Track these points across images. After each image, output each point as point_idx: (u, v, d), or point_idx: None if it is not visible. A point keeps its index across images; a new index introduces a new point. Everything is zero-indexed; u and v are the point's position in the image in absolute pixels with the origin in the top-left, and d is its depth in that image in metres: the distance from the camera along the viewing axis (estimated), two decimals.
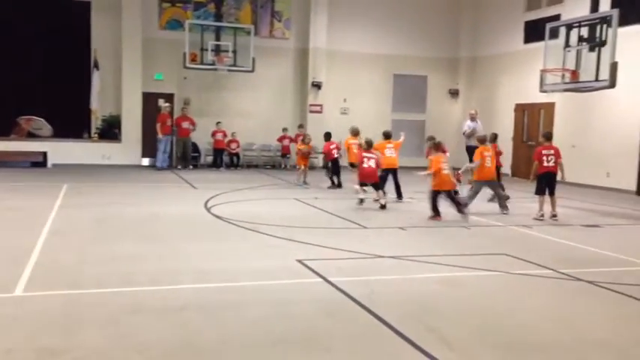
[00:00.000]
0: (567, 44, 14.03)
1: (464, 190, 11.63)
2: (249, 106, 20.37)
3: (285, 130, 19.88)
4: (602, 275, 6.67)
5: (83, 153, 18.47)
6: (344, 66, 21.14)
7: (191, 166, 18.83)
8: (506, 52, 20.31)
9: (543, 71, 14.63)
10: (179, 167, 18.56)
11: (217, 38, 19.01)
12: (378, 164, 11.70)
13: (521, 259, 7.36)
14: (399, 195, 12.47)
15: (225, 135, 19.25)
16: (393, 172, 12.49)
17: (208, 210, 10.54)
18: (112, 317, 4.81)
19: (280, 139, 19.92)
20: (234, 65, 18.88)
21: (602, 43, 13.08)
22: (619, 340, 4.76)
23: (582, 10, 16.11)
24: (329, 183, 14.73)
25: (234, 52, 18.90)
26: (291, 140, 19.81)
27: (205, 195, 12.18)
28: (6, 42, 19.08)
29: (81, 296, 5.37)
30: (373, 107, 21.67)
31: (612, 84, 12.79)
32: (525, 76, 18.63)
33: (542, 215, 10.58)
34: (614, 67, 12.67)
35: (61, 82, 19.18)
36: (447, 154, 10.98)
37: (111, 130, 19.23)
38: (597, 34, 13.31)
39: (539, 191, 10.78)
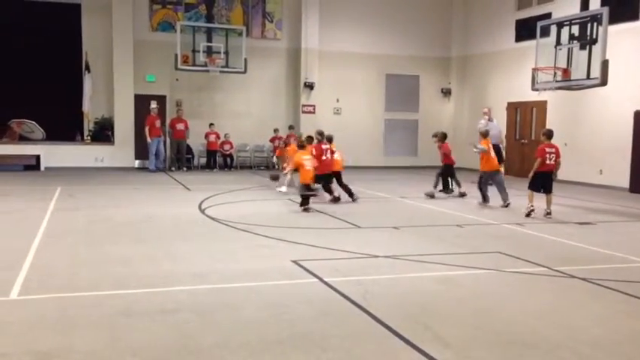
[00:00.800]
0: (558, 42, 14.10)
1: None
2: (242, 107, 20.36)
3: (276, 130, 19.87)
4: (596, 272, 6.71)
5: (76, 156, 18.41)
6: (336, 66, 21.17)
7: (185, 168, 18.81)
8: (498, 50, 20.40)
9: (535, 69, 14.71)
10: (173, 169, 18.53)
11: (209, 39, 19.00)
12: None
13: (515, 257, 7.39)
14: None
15: (218, 136, 19.23)
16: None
17: (202, 211, 10.53)
18: (107, 320, 4.80)
19: (272, 140, 19.92)
20: (227, 66, 18.88)
21: (593, 41, 13.16)
22: (613, 337, 4.79)
23: (573, 9, 16.18)
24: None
25: (226, 53, 18.90)
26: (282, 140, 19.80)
27: (199, 196, 12.17)
28: None
29: (75, 299, 5.35)
30: (366, 107, 21.74)
31: (604, 82, 12.87)
32: (517, 74, 18.73)
33: (533, 207, 10.58)
34: (605, 65, 12.75)
35: (52, 85, 19.13)
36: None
37: (103, 133, 19.18)
38: (588, 32, 13.39)
39: (533, 187, 10.81)
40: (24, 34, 19.11)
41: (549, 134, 11.17)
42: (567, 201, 13.09)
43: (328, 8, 20.89)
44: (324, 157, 12.18)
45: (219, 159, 19.47)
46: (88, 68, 18.84)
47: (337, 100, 21.45)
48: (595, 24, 13.20)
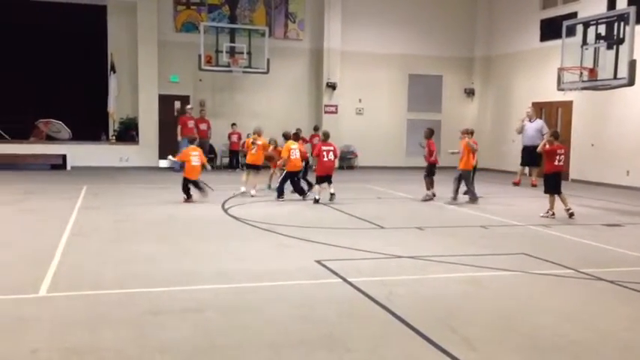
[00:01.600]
0: (585, 42, 13.91)
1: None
2: (264, 107, 20.43)
3: (299, 131, 19.85)
4: (624, 275, 6.60)
5: (101, 155, 18.66)
6: (359, 66, 21.14)
7: (208, 168, 18.90)
8: (522, 50, 20.18)
9: (561, 69, 14.52)
10: None
11: (232, 40, 19.11)
12: (336, 156, 12.41)
13: (540, 258, 7.31)
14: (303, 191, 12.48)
15: (240, 136, 19.32)
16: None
17: (225, 211, 10.59)
18: (134, 318, 4.86)
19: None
20: (249, 67, 18.97)
21: (620, 41, 12.96)
22: None
23: (599, 8, 15.96)
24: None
25: (249, 53, 18.98)
26: (306, 141, 19.82)
27: (222, 196, 12.24)
28: (24, 47, 19.36)
29: (103, 297, 5.43)
30: (388, 107, 21.68)
31: (631, 82, 12.67)
32: (542, 74, 18.50)
33: (554, 214, 10.52)
34: (632, 64, 12.56)
35: (78, 86, 19.44)
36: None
37: (128, 133, 19.40)
38: (615, 32, 13.19)
39: (550, 190, 10.71)
40: (51, 35, 19.44)
41: (556, 135, 11.08)
42: (593, 202, 12.90)
43: (351, 8, 20.87)
44: (325, 159, 12.01)
45: (241, 159, 19.54)
46: (113, 69, 19.09)
47: (359, 101, 21.42)
48: (622, 23, 13.00)
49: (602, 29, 13.65)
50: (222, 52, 18.69)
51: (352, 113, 21.16)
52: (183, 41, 19.39)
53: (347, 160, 20.91)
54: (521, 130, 16.47)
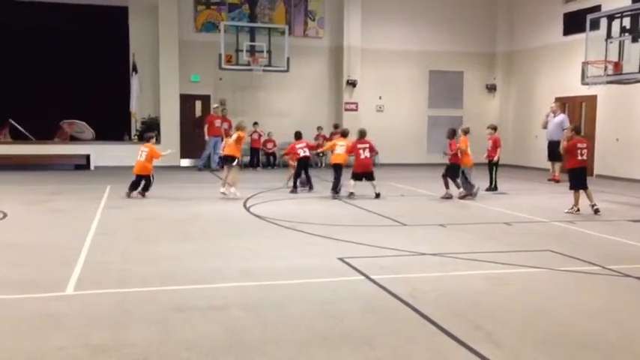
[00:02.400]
0: (609, 35, 13.72)
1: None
2: (285, 105, 20.47)
3: (319, 128, 19.93)
4: None
5: (124, 155, 18.77)
6: (379, 63, 21.07)
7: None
8: (545, 44, 19.93)
9: (585, 63, 14.33)
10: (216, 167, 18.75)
11: (252, 39, 19.17)
12: (372, 152, 12.53)
13: (566, 255, 7.21)
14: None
15: (260, 135, 19.39)
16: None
17: (247, 209, 10.64)
18: (159, 315, 4.90)
19: (316, 138, 19.96)
20: (269, 65, 19.01)
21: None
22: None
23: (624, 1, 15.70)
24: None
25: (269, 52, 19.03)
26: (326, 139, 19.86)
27: (244, 194, 12.29)
28: (47, 48, 19.66)
29: (128, 294, 5.49)
30: (409, 104, 21.57)
31: None
32: (565, 68, 18.27)
33: (579, 209, 10.39)
34: None
35: (101, 86, 19.66)
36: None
37: (150, 132, 19.54)
38: None
39: (575, 186, 10.57)
40: (74, 37, 19.70)
41: (577, 129, 11.00)
42: (619, 198, 12.70)
43: (370, 5, 20.80)
44: (361, 156, 12.21)
45: (262, 157, 19.62)
46: (135, 69, 19.28)
47: (380, 98, 21.35)
48: None
49: (626, 22, 13.46)
50: (242, 51, 18.76)
51: (373, 110, 21.09)
52: (203, 41, 19.51)
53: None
54: (545, 125, 16.31)
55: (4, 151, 17.70)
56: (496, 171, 13.64)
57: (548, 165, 16.87)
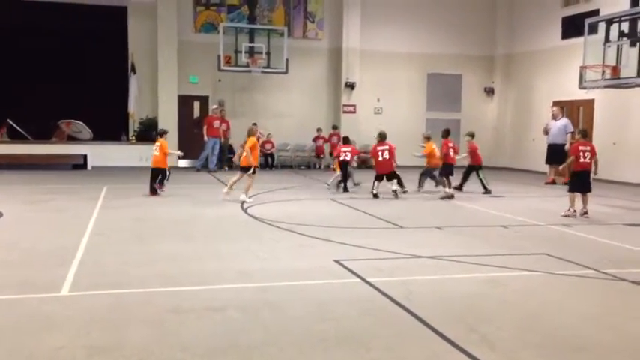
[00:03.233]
0: (607, 39, 13.76)
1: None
2: (283, 107, 20.49)
3: (319, 130, 19.97)
4: None
5: (122, 155, 18.84)
6: (377, 65, 21.10)
7: (226, 168, 19.02)
8: (543, 48, 19.98)
9: (583, 67, 14.37)
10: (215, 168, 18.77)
11: (251, 40, 19.18)
12: (392, 154, 12.82)
13: (562, 258, 7.24)
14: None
15: (259, 136, 19.38)
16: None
17: (245, 211, 10.65)
18: (156, 316, 4.91)
19: (315, 140, 20.01)
20: (268, 67, 19.02)
21: None
22: None
23: (622, 5, 15.75)
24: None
25: (268, 53, 19.04)
26: (325, 141, 19.95)
27: (241, 195, 12.29)
28: (45, 48, 19.62)
29: (125, 295, 5.49)
30: (407, 107, 21.60)
31: None
32: (563, 72, 18.32)
33: (575, 212, 10.45)
34: None
35: (99, 86, 19.63)
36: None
37: (148, 133, 19.56)
38: (638, 29, 13.01)
39: (574, 188, 10.65)
40: (73, 36, 19.67)
41: (583, 133, 11.19)
42: (615, 202, 12.74)
43: (369, 8, 20.83)
44: (379, 159, 12.74)
45: (260, 158, 19.59)
46: (133, 69, 19.28)
47: (378, 100, 21.37)
48: None
49: (625, 26, 13.50)
50: (241, 52, 18.77)
51: (371, 113, 21.12)
52: (202, 42, 19.52)
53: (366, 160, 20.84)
54: (547, 132, 16.40)
55: (1, 150, 17.70)
56: (478, 174, 13.77)
57: (545, 168, 16.93)
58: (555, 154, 15.41)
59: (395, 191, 12.58)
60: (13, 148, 18.04)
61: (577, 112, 18.37)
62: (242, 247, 7.70)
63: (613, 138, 16.98)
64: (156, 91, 19.34)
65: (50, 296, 5.43)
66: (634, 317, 5.20)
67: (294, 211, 10.68)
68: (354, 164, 14.42)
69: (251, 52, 18.96)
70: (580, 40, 15.19)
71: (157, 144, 12.78)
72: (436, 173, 13.50)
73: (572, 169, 10.86)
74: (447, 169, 12.99)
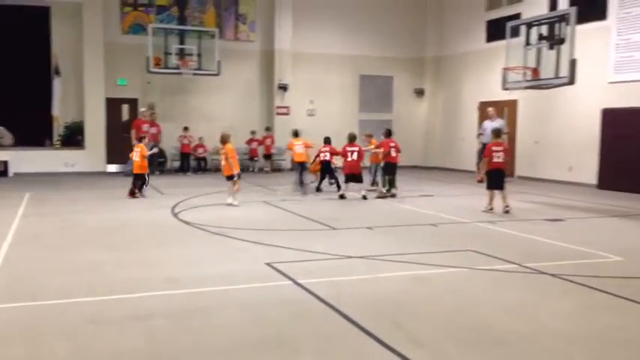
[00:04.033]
0: (528, 42, 14.30)
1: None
2: (216, 109, 20.23)
3: (253, 133, 19.85)
4: (566, 268, 6.82)
5: (46, 161, 18.10)
6: (310, 67, 21.18)
7: (157, 172, 18.60)
8: (470, 51, 20.62)
9: (505, 69, 14.90)
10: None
11: (181, 42, 18.86)
12: (361, 156, 13.16)
13: (486, 254, 7.48)
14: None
15: (190, 140, 19.09)
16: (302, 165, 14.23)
17: (175, 215, 10.44)
18: (77, 328, 4.73)
19: (248, 142, 19.87)
20: (199, 69, 18.76)
21: (561, 41, 13.36)
22: (582, 332, 4.88)
23: (541, 9, 16.48)
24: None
25: (199, 55, 18.78)
26: (259, 143, 19.86)
27: (172, 200, 12.07)
28: None
29: (44, 307, 5.26)
30: (340, 108, 21.78)
31: (572, 80, 13.08)
32: (489, 74, 18.95)
33: (492, 208, 11.03)
34: (573, 64, 12.96)
35: (21, 89, 18.76)
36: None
37: (74, 137, 18.89)
38: (556, 32, 13.60)
39: (490, 186, 11.23)
40: None
41: (496, 133, 11.80)
42: (538, 198, 13.29)
43: (301, 9, 20.88)
44: (349, 159, 13.00)
45: (192, 162, 19.31)
46: (57, 71, 18.55)
47: (311, 102, 21.45)
48: (563, 24, 13.42)
49: (544, 30, 14.06)
50: (171, 54, 18.43)
51: (304, 114, 21.17)
52: (130, 43, 19.02)
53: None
54: (482, 133, 16.84)
55: None
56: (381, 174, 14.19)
57: (474, 167, 17.47)
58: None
59: (364, 196, 12.74)
60: None
61: (502, 112, 19.03)
62: (171, 252, 7.54)
63: (535, 137, 17.73)
64: (82, 93, 18.68)
65: None
66: (553, 309, 5.43)
67: (226, 215, 10.55)
68: (337, 163, 14.45)
69: (182, 53, 18.64)
70: (503, 42, 15.75)
71: (137, 149, 12.81)
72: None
73: (487, 168, 11.41)
74: (390, 168, 13.39)
